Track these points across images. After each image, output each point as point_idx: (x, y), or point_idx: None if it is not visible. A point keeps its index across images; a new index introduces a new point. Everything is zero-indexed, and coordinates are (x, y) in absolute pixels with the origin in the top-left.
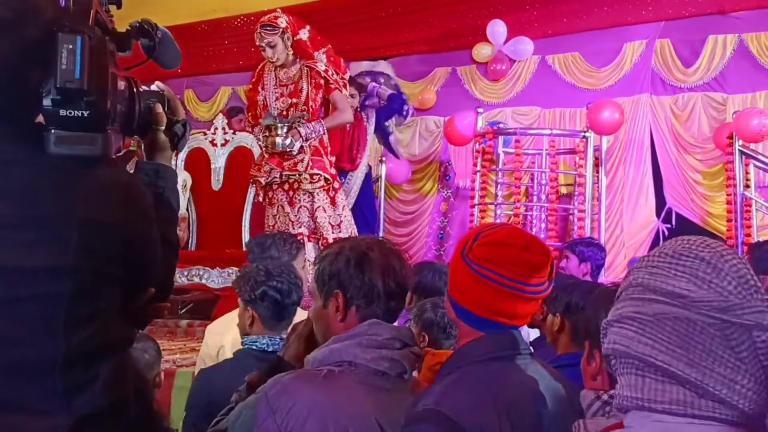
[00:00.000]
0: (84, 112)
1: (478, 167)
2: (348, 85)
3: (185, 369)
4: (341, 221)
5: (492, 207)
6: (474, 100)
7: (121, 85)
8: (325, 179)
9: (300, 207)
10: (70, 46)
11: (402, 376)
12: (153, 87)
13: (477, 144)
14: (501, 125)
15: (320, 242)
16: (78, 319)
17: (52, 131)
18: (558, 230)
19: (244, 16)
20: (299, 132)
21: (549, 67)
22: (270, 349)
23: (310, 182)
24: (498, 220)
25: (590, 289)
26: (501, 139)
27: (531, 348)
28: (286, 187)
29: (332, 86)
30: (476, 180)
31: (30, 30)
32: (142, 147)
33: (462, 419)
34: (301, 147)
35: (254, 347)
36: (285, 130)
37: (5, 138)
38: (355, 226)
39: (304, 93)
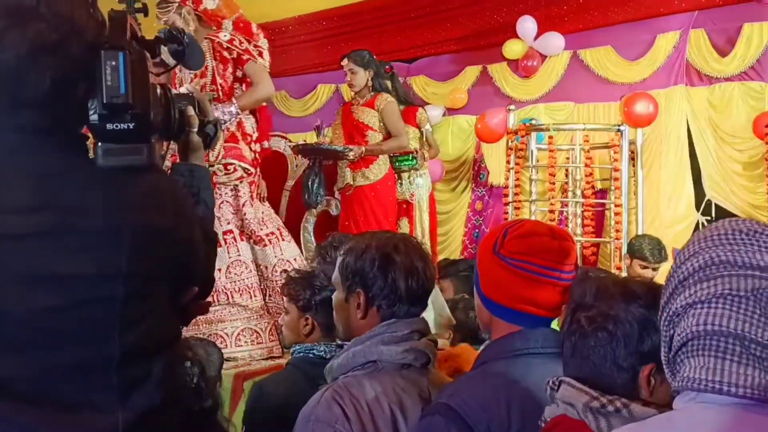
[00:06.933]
0: (129, 124)
1: (512, 164)
2: (264, 54)
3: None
4: (263, 216)
5: (527, 204)
6: (506, 97)
7: (158, 92)
8: (244, 169)
9: (222, 202)
10: (113, 63)
11: (426, 366)
12: (182, 90)
13: (509, 141)
14: (534, 122)
15: (252, 240)
16: (131, 320)
17: (100, 144)
18: (595, 226)
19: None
20: None
21: (581, 62)
22: (328, 356)
23: (225, 173)
24: (533, 217)
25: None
26: (534, 135)
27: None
28: None
29: (244, 57)
30: (510, 177)
31: (74, 49)
32: (176, 149)
33: (469, 414)
34: None
35: (311, 355)
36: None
37: (54, 149)
38: (277, 217)
39: (209, 70)
